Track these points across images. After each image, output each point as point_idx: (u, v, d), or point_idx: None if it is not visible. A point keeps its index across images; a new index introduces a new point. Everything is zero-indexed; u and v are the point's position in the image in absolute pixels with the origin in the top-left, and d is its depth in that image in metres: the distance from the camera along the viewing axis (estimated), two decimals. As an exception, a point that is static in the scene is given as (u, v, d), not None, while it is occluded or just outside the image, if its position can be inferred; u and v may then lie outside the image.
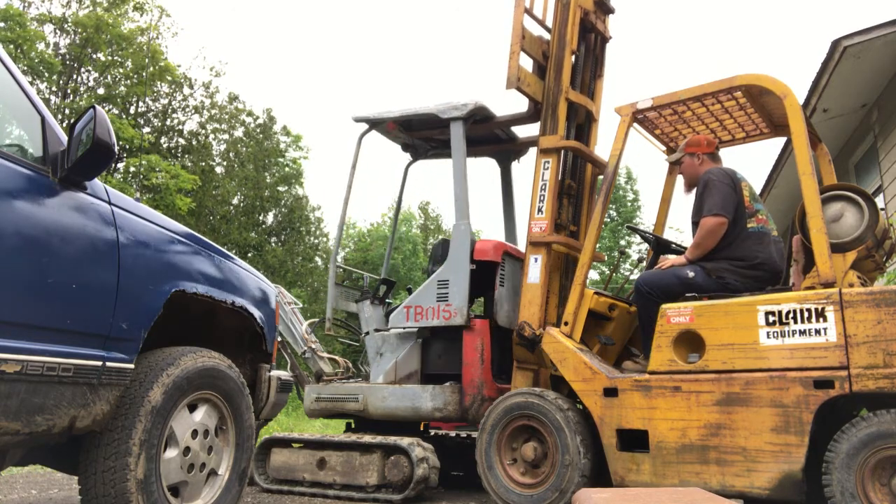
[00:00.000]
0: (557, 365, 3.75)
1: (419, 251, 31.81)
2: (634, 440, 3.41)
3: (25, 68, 15.13)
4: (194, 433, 2.54)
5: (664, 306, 3.41)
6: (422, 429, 5.43)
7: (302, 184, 25.00)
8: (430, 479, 4.35)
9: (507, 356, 5.09)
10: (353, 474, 4.49)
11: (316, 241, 25.58)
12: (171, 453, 2.43)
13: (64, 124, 13.60)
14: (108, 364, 2.18)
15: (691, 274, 3.49)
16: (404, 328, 4.78)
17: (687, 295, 3.42)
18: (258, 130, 23.61)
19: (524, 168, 6.20)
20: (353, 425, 5.24)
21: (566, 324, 3.81)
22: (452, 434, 5.70)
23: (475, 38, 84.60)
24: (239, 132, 23.08)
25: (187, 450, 2.50)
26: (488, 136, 5.47)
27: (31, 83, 14.84)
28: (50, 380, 1.97)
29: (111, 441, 2.23)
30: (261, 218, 23.70)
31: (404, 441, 4.41)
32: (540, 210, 4.21)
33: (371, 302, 5.52)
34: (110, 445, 2.23)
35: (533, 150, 5.12)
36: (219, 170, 22.13)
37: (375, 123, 5.27)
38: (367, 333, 5.33)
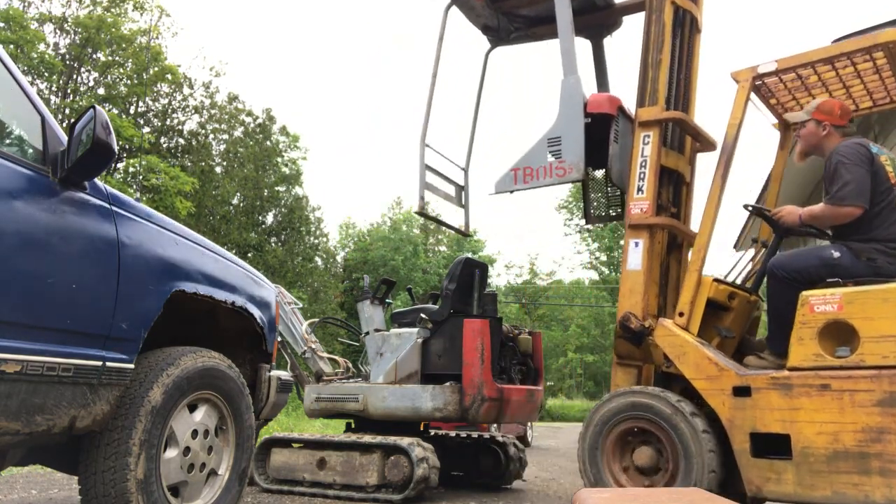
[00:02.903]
0: (675, 360, 3.39)
1: (420, 252, 31.83)
2: (771, 445, 3.05)
3: (26, 69, 15.13)
4: (194, 433, 2.54)
5: (805, 293, 3.02)
6: (422, 429, 5.44)
7: (301, 184, 25.02)
8: (430, 479, 4.36)
9: (507, 356, 5.10)
10: (353, 474, 4.49)
11: (316, 241, 25.60)
12: (171, 453, 2.43)
13: (64, 124, 13.59)
14: (108, 364, 2.18)
15: (836, 254, 3.10)
16: (511, 191, 4.39)
17: (828, 280, 3.05)
18: (258, 130, 23.62)
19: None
20: (353, 425, 5.24)
21: (681, 314, 3.47)
22: (452, 434, 5.70)
23: (475, 38, 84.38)
24: (238, 132, 23.09)
25: (187, 450, 2.50)
26: (581, 5, 4.88)
27: (32, 83, 14.85)
28: (50, 380, 1.97)
29: (111, 441, 2.23)
30: (261, 218, 23.70)
31: (404, 441, 4.42)
32: (640, 189, 3.86)
33: (371, 302, 5.53)
34: (110, 445, 2.23)
35: (626, 24, 4.97)
36: (218, 170, 22.13)
37: None
38: (367, 333, 5.34)
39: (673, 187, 4.26)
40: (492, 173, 4.46)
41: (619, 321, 3.75)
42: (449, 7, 4.90)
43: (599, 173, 4.79)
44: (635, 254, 3.84)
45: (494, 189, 4.42)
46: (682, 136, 4.28)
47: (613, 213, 5.01)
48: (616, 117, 4.31)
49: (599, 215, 5.11)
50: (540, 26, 5.20)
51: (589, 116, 4.19)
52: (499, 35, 5.37)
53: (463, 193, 5.18)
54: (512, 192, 4.42)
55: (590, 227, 41.23)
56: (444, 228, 37.80)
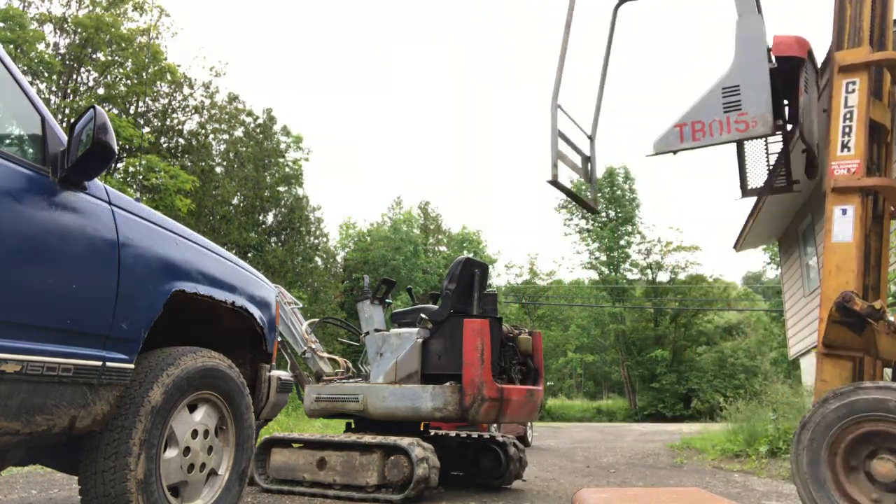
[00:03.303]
0: None
1: (420, 252, 31.83)
2: None
3: (26, 69, 15.13)
4: (194, 433, 2.54)
5: None
6: (422, 429, 5.44)
7: (302, 184, 25.03)
8: (430, 479, 4.35)
9: (507, 356, 5.10)
10: (353, 474, 4.49)
11: (316, 241, 25.60)
12: (171, 453, 2.43)
13: (64, 124, 13.60)
14: (108, 364, 2.18)
15: None
16: (675, 151, 3.86)
17: None
18: (258, 131, 23.62)
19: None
20: (353, 425, 5.24)
21: None
22: (452, 434, 5.70)
23: (475, 39, 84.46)
24: (239, 132, 23.09)
25: (187, 450, 2.50)
26: None
27: (32, 83, 14.84)
28: (50, 380, 1.97)
29: (111, 441, 2.23)
30: (261, 218, 23.70)
31: (404, 441, 4.41)
32: (846, 146, 3.28)
33: (371, 302, 5.53)
34: (110, 445, 2.23)
35: None
36: (219, 170, 22.13)
37: None
38: (367, 333, 5.34)
39: (877, 144, 3.58)
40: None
41: (837, 302, 2.99)
42: None
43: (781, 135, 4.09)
44: (844, 223, 3.22)
45: (654, 149, 3.86)
46: (881, 83, 3.58)
47: (795, 181, 4.34)
48: (806, 61, 3.76)
49: (772, 185, 4.42)
50: None
51: (773, 61, 3.64)
52: None
53: (589, 165, 4.55)
54: (676, 152, 3.87)
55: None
56: (443, 228, 37.91)
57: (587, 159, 4.56)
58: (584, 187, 4.82)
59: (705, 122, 3.69)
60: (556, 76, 4.18)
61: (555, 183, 4.07)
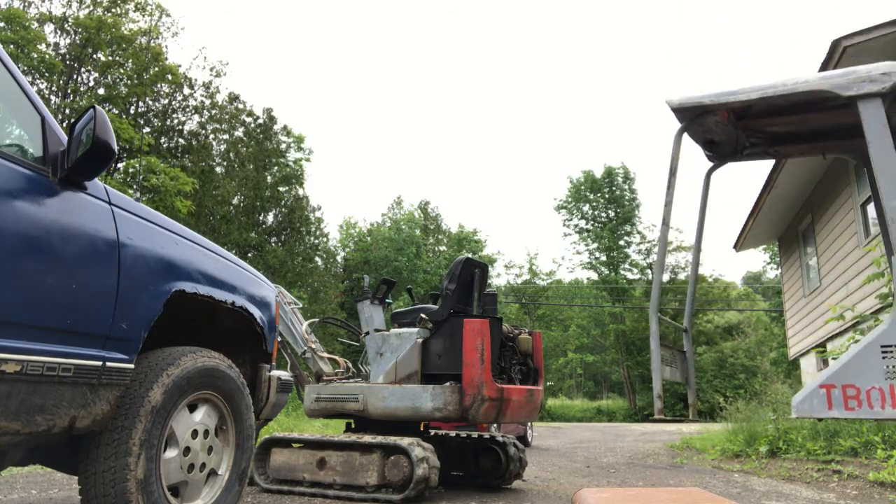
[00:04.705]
0: None
1: (422, 253, 31.84)
2: None
3: (26, 69, 15.13)
4: (194, 433, 2.54)
5: None
6: (422, 429, 5.43)
7: (302, 184, 25.04)
8: (430, 479, 4.35)
9: (507, 356, 5.10)
10: (353, 474, 4.49)
11: (316, 241, 25.61)
12: (171, 453, 2.43)
13: (64, 124, 13.60)
14: (108, 364, 2.18)
15: None
16: (821, 418, 3.06)
17: None
18: (258, 131, 23.63)
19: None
20: (353, 425, 5.24)
21: None
22: (452, 434, 5.70)
23: (475, 39, 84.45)
24: (239, 132, 23.10)
25: (187, 450, 2.50)
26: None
27: (32, 83, 14.84)
28: (50, 380, 1.97)
29: (111, 441, 2.23)
30: (261, 218, 23.72)
31: (404, 441, 4.41)
32: None
33: (371, 302, 5.53)
34: (110, 445, 2.23)
35: None
36: (219, 170, 22.14)
37: (704, 112, 3.50)
38: (367, 333, 5.34)
39: None
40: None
41: None
42: (682, 132, 3.61)
43: None
44: None
45: (794, 412, 3.04)
46: None
47: None
48: None
49: None
50: (787, 144, 4.05)
51: None
52: (725, 153, 4.09)
53: (686, 363, 3.66)
54: (821, 419, 3.14)
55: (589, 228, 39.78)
56: (443, 228, 37.91)
57: (682, 354, 3.79)
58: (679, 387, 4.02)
59: (861, 388, 2.88)
60: (654, 284, 3.33)
61: (660, 419, 3.41)
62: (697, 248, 3.95)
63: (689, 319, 3.65)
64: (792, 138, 4.02)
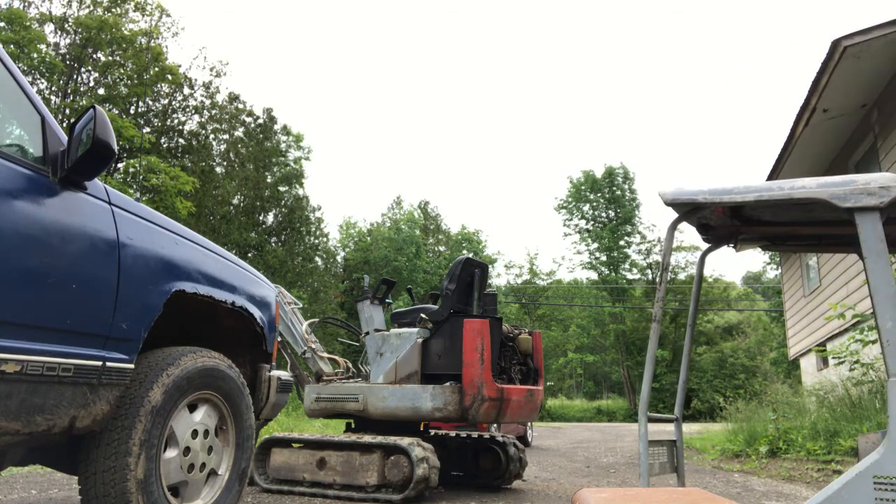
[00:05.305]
0: None
1: (422, 253, 31.84)
2: None
3: (26, 69, 15.13)
4: (194, 433, 2.54)
5: None
6: (422, 429, 5.44)
7: (302, 184, 25.04)
8: (430, 479, 4.35)
9: (507, 356, 5.10)
10: (353, 474, 4.49)
11: (316, 241, 25.61)
12: (171, 453, 2.43)
13: (64, 124, 13.60)
14: (108, 364, 2.18)
15: None
16: None
17: None
18: (258, 130, 23.64)
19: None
20: (353, 425, 5.24)
21: None
22: (452, 434, 5.70)
23: (475, 39, 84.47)
24: (239, 132, 23.10)
25: (187, 450, 2.50)
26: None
27: (32, 83, 14.84)
28: (50, 380, 1.97)
29: (111, 441, 2.23)
30: (261, 218, 23.72)
31: (404, 441, 4.41)
32: None
33: (371, 302, 5.53)
34: (110, 445, 2.23)
35: None
36: (219, 170, 22.14)
37: (697, 208, 3.36)
38: (367, 333, 5.34)
39: None
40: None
41: None
42: (677, 223, 3.45)
43: None
44: None
45: None
46: None
47: None
48: None
49: None
50: (783, 241, 3.95)
51: None
52: (720, 240, 3.96)
53: (675, 450, 3.49)
54: None
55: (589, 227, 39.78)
56: (443, 228, 37.89)
57: (672, 444, 3.55)
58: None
59: None
60: (645, 382, 3.07)
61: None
62: (692, 324, 3.66)
63: (679, 409, 3.42)
64: (788, 237, 3.86)
